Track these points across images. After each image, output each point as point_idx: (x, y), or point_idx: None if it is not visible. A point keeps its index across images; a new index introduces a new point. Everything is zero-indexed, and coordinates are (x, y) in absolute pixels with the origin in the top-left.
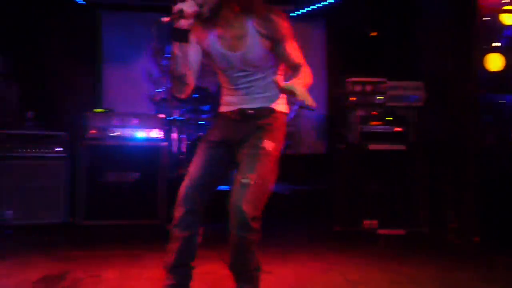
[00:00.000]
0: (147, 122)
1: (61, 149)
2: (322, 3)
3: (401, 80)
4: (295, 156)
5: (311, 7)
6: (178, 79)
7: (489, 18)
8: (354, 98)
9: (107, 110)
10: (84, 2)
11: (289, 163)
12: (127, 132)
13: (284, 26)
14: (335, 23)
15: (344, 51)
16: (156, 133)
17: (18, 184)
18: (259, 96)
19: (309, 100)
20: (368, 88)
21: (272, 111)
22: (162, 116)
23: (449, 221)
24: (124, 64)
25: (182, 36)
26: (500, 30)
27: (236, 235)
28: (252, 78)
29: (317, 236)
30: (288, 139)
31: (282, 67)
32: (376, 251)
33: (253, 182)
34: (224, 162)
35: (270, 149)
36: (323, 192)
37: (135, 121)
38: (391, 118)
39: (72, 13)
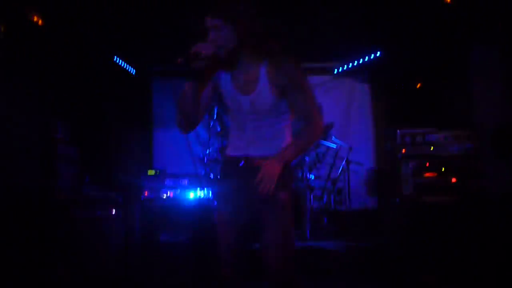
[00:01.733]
0: (196, 181)
1: (117, 211)
2: (365, 57)
3: (451, 129)
4: (347, 212)
5: (355, 62)
6: (185, 116)
7: None
8: (405, 150)
9: (159, 171)
10: (134, 73)
11: (341, 219)
12: (178, 192)
13: (296, 74)
14: (379, 76)
15: (390, 104)
16: (205, 193)
17: (77, 247)
18: (266, 143)
19: (264, 187)
20: (419, 139)
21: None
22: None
23: None
24: (173, 126)
25: (196, 76)
26: None
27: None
28: (261, 123)
29: None
30: (337, 195)
31: (292, 116)
32: None
33: (281, 241)
34: (247, 212)
35: (287, 200)
36: (378, 248)
37: (185, 181)
38: (444, 169)
39: (126, 81)
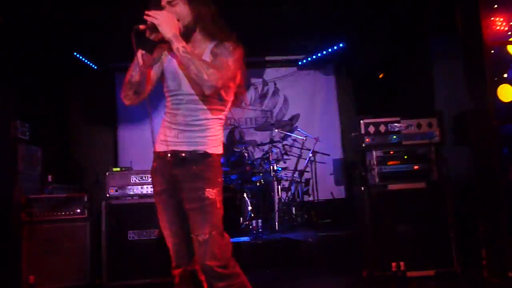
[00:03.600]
0: None
1: (82, 210)
2: (329, 49)
3: (414, 118)
4: (315, 202)
5: (319, 54)
6: (132, 85)
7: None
8: (369, 140)
9: (125, 169)
10: (95, 67)
11: (309, 209)
12: (145, 189)
13: (224, 52)
14: (343, 67)
15: (355, 94)
16: None
17: (41, 249)
18: (195, 135)
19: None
20: (383, 128)
21: (207, 155)
22: None
23: (482, 258)
24: (138, 123)
25: (149, 46)
26: (509, 62)
27: None
28: (196, 106)
29: (346, 282)
30: (305, 186)
31: (229, 106)
32: None
33: (207, 236)
34: (181, 207)
35: (214, 197)
36: (347, 237)
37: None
38: (407, 157)
39: (88, 77)
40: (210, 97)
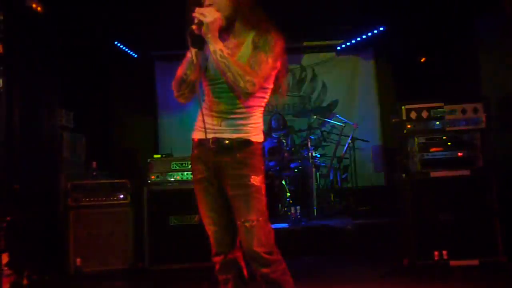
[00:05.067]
0: None
1: (125, 196)
2: (368, 33)
3: (458, 103)
4: (354, 189)
5: (358, 38)
6: (188, 83)
7: None
8: (410, 126)
9: (165, 156)
10: (136, 55)
11: (348, 196)
12: (186, 175)
13: (267, 42)
14: (382, 52)
15: (395, 79)
16: None
17: (86, 233)
18: (238, 123)
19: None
20: (425, 114)
21: (250, 143)
22: None
23: None
24: (178, 110)
25: (201, 43)
26: None
27: (263, 276)
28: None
29: (387, 271)
30: (343, 173)
31: (269, 93)
32: (450, 284)
33: (255, 223)
34: (224, 195)
35: (259, 184)
36: (387, 225)
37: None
38: (450, 143)
39: (129, 65)
40: None
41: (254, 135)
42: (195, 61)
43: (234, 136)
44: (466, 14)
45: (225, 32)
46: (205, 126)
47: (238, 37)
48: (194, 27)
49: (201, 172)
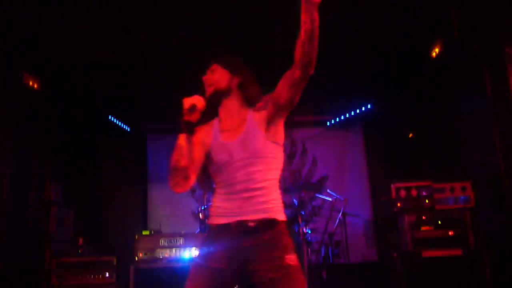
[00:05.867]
0: (192, 240)
1: (111, 274)
2: (357, 110)
3: (446, 182)
4: (346, 266)
5: (347, 114)
6: (180, 171)
7: None
8: (400, 204)
9: (154, 232)
10: (129, 130)
11: (340, 273)
12: (174, 252)
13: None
14: (371, 128)
15: (384, 154)
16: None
17: None
18: (259, 201)
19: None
20: (414, 192)
21: (275, 222)
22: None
23: None
24: (167, 183)
25: (190, 128)
26: None
27: None
28: (252, 169)
29: None
30: (335, 248)
31: (282, 165)
32: None
33: None
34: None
35: (296, 263)
36: None
37: (180, 240)
38: (441, 222)
39: (121, 139)
40: (263, 156)
41: (278, 213)
42: (184, 146)
43: (260, 217)
44: (450, 92)
45: (214, 114)
46: (225, 209)
47: (235, 116)
48: (186, 117)
49: (219, 261)
